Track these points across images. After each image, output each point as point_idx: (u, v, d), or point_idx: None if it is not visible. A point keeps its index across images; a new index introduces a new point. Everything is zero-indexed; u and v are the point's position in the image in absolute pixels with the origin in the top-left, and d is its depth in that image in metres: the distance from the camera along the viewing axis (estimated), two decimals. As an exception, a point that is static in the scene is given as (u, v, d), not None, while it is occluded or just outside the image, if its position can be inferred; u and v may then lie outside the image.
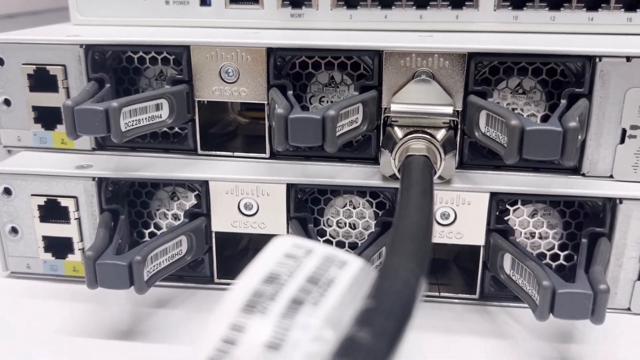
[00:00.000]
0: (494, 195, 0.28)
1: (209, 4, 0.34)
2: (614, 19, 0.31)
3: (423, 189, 0.21)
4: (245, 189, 0.29)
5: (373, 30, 0.33)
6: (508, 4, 0.32)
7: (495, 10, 0.32)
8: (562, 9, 0.32)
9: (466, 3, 0.33)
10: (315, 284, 0.16)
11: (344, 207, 0.31)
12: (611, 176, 0.28)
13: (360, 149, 0.31)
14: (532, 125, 0.24)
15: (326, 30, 0.33)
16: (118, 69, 0.31)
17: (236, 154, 0.31)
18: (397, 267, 0.16)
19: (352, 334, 0.13)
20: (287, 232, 0.30)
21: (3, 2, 0.45)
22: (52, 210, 0.30)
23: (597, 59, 0.27)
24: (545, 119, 0.29)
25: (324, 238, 0.31)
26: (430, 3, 0.33)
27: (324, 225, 0.31)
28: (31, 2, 0.49)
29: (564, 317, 0.24)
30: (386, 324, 0.14)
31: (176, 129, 0.32)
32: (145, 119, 0.28)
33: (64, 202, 0.30)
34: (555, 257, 0.30)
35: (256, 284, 0.15)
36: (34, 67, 0.31)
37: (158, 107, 0.28)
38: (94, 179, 0.30)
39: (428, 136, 0.26)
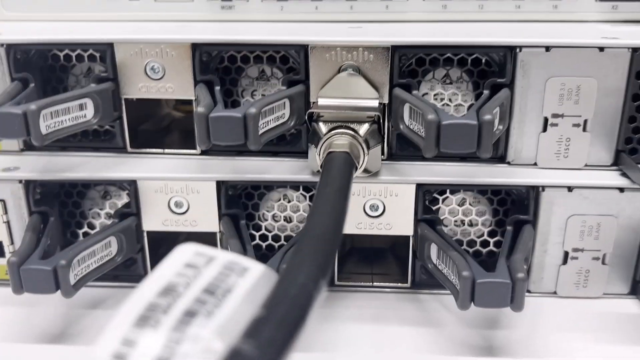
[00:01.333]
0: (420, 186, 0.28)
1: (138, -3, 0.34)
2: (540, 7, 0.32)
3: (338, 188, 0.22)
4: (174, 187, 0.29)
5: (304, 22, 0.33)
6: (436, -7, 0.32)
7: (424, 0, 0.32)
8: (489, -3, 0.32)
9: (395, -7, 0.33)
10: (212, 294, 0.16)
11: (279, 201, 0.31)
12: (535, 164, 0.29)
13: (292, 143, 0.31)
14: (448, 119, 0.24)
15: (257, 22, 0.33)
16: (44, 67, 0.31)
17: (167, 150, 0.31)
18: (296, 271, 0.16)
19: (237, 346, 0.14)
20: (219, 229, 0.30)
21: None
22: (-20, 214, 0.30)
23: (518, 49, 0.27)
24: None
25: (260, 232, 0.31)
26: (360, -7, 0.33)
27: (259, 219, 0.31)
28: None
29: (484, 306, 0.25)
30: (274, 334, 0.14)
31: (107, 127, 0.32)
32: (69, 119, 0.27)
33: (-9, 206, 0.30)
34: (485, 243, 0.31)
35: (151, 297, 0.15)
36: (-46, 67, 0.30)
37: (82, 107, 0.28)
38: (20, 181, 0.29)
39: (351, 131, 0.26)
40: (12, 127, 0.25)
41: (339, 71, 0.28)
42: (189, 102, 0.35)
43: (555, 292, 0.30)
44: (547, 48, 0.27)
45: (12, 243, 0.30)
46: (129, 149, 0.31)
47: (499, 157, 0.29)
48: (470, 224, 0.30)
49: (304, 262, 0.17)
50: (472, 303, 0.25)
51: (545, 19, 0.32)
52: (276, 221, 0.31)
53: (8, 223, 0.30)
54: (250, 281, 0.16)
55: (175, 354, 0.14)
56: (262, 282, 0.17)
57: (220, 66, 0.30)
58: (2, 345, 0.27)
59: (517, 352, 0.26)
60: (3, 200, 0.30)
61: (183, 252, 0.17)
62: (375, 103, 0.28)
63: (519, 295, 0.25)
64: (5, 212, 0.30)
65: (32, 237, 0.28)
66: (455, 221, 0.30)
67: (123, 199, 0.31)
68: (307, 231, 0.19)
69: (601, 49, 0.27)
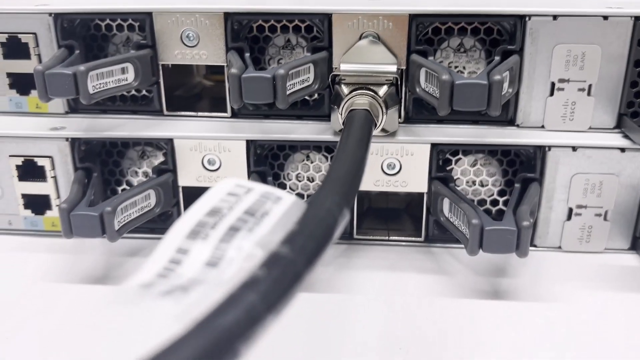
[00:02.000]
0: (434, 146, 0.31)
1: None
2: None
3: (359, 138, 0.24)
4: (208, 146, 0.32)
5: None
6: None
7: (440, -27, 0.34)
8: (502, -29, 0.34)
9: (413, -33, 0.35)
10: (252, 215, 0.18)
11: (302, 161, 0.33)
12: (542, 126, 0.31)
13: (315, 107, 0.33)
14: (461, 79, 0.26)
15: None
16: (87, 36, 0.33)
17: (200, 113, 0.34)
18: (324, 199, 0.19)
19: (276, 250, 0.16)
20: (248, 184, 0.32)
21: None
22: (30, 170, 0.33)
23: (527, 18, 0.29)
24: (484, 73, 0.31)
25: (285, 191, 0.34)
26: (380, -32, 0.35)
27: (283, 179, 0.34)
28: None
29: (491, 252, 0.27)
30: (306, 243, 0.16)
31: (144, 92, 0.34)
32: (112, 82, 0.30)
33: (40, 162, 0.33)
34: (495, 202, 0.33)
35: (200, 216, 0.18)
36: (6, 35, 0.33)
37: (124, 71, 0.31)
38: (67, 139, 0.32)
39: (371, 92, 0.28)
40: (63, 86, 0.28)
41: (360, 38, 0.31)
42: (218, 71, 0.38)
43: (559, 247, 0.32)
44: (555, 17, 0.29)
45: (58, 197, 0.33)
46: (165, 112, 0.34)
47: (509, 120, 0.32)
48: (481, 184, 0.33)
49: (330, 192, 0.19)
50: (481, 249, 0.27)
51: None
52: (299, 181, 0.33)
53: (55, 178, 0.33)
54: (284, 207, 0.19)
55: (222, 259, 0.17)
56: (294, 208, 0.19)
57: (250, 35, 0.32)
58: (52, 285, 0.29)
59: (521, 297, 0.28)
60: (51, 157, 0.32)
61: (225, 184, 0.20)
62: (393, 68, 0.30)
63: (524, 242, 0.27)
64: (53, 167, 0.33)
65: (78, 189, 0.31)
66: (467, 181, 0.32)
67: (159, 159, 0.34)
68: (332, 170, 0.21)
69: (605, 17, 0.29)
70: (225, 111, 0.33)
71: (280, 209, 0.19)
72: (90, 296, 0.29)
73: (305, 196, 0.34)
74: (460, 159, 0.32)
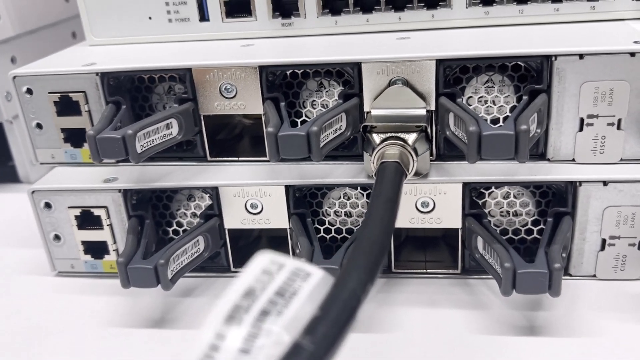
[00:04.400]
0: (466, 184, 0.32)
1: (208, 19, 0.38)
2: (578, 9, 0.34)
3: (388, 198, 0.25)
4: (250, 192, 0.34)
5: (356, 34, 0.36)
6: (478, 1, 0.35)
7: (467, 7, 0.35)
8: (528, 2, 0.34)
9: (440, 3, 0.35)
10: (281, 296, 0.20)
11: (339, 199, 0.35)
12: (573, 159, 0.32)
13: (349, 148, 0.34)
14: (488, 130, 0.27)
15: (314, 36, 0.37)
16: (132, 88, 0.35)
17: (240, 158, 0.35)
18: (347, 278, 0.20)
19: (297, 341, 0.18)
20: (289, 226, 0.34)
21: (22, 20, 0.48)
22: (87, 219, 0.35)
23: (554, 58, 0.30)
24: (514, 109, 0.32)
25: (324, 226, 0.35)
26: (407, 5, 0.36)
27: (322, 215, 0.35)
28: (48, 15, 0.52)
29: (524, 293, 0.28)
30: (327, 331, 0.18)
31: (188, 139, 0.36)
32: (158, 138, 0.32)
33: (96, 212, 0.35)
34: (529, 232, 0.34)
35: (236, 298, 0.20)
36: (59, 94, 0.35)
37: (168, 126, 0.33)
38: (119, 190, 0.34)
39: (400, 141, 0.30)
40: (113, 149, 0.30)
41: (389, 84, 0.32)
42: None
43: (594, 275, 0.33)
44: (581, 56, 0.29)
45: (115, 242, 0.36)
46: (208, 157, 0.36)
47: (540, 154, 0.32)
48: (515, 214, 0.33)
49: (354, 269, 0.21)
50: (514, 290, 0.28)
51: (583, 20, 0.34)
52: (337, 216, 0.35)
53: (111, 226, 0.35)
54: (312, 284, 0.20)
55: (254, 345, 0.18)
56: (322, 284, 0.21)
57: (284, 82, 0.34)
58: (114, 330, 0.32)
59: (557, 331, 0.29)
60: (106, 207, 0.35)
61: (261, 261, 0.21)
62: (422, 112, 0.31)
63: (556, 283, 0.28)
64: (108, 216, 0.35)
65: (133, 239, 0.33)
66: (501, 212, 0.33)
67: (205, 200, 0.36)
68: (358, 241, 0.22)
69: (632, 54, 0.29)
70: (264, 155, 0.35)
71: (309, 286, 0.20)
72: (150, 340, 0.31)
73: (344, 231, 0.35)
74: (492, 191, 0.33)
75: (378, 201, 0.25)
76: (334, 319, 0.18)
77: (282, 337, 0.18)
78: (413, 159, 0.29)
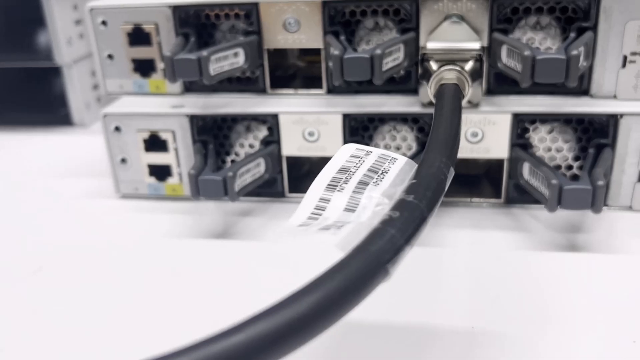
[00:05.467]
0: (515, 115, 0.34)
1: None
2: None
3: (453, 108, 0.28)
4: (308, 120, 0.36)
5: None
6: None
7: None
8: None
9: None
10: (375, 173, 0.22)
11: (389, 132, 0.37)
12: (615, 96, 0.34)
13: (402, 83, 0.37)
14: (541, 54, 0.29)
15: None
16: (199, 24, 0.38)
17: (299, 91, 0.38)
18: (433, 158, 0.22)
19: (402, 197, 0.20)
20: (344, 153, 0.36)
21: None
22: (154, 143, 0.38)
23: (601, -4, 0.32)
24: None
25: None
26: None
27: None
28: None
29: (569, 208, 0.30)
30: (425, 192, 0.20)
31: (247, 75, 0.38)
32: (227, 65, 0.35)
33: (163, 136, 0.38)
34: (569, 167, 0.36)
35: (333, 173, 0.22)
36: (132, 26, 0.37)
37: (236, 55, 0.35)
38: (187, 115, 0.37)
39: (458, 67, 0.32)
40: (189, 69, 0.33)
41: (444, 19, 0.34)
42: (309, 53, 0.42)
43: (630, 207, 0.35)
44: (628, -6, 0.32)
45: (179, 166, 0.38)
46: (268, 90, 0.38)
47: (583, 90, 0.34)
48: (557, 150, 0.36)
49: (438, 153, 0.23)
50: (559, 206, 0.30)
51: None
52: (387, 149, 0.37)
53: (176, 150, 0.38)
54: (400, 165, 0.23)
55: (357, 205, 0.21)
56: (407, 167, 0.23)
57: (343, 19, 0.36)
58: (179, 240, 0.34)
59: (597, 249, 0.31)
60: (173, 131, 0.37)
61: (348, 147, 0.24)
62: (477, 45, 0.33)
63: (599, 199, 0.30)
64: (174, 140, 0.37)
65: (200, 158, 0.35)
66: (544, 148, 0.36)
67: (263, 132, 0.38)
68: (434, 136, 0.25)
69: (676, -7, 0.31)
70: (321, 88, 0.37)
71: (397, 167, 0.23)
72: (214, 249, 0.34)
73: (393, 163, 0.37)
74: (537, 127, 0.35)
75: (444, 110, 0.27)
76: (429, 185, 0.21)
77: (383, 200, 0.21)
78: (468, 84, 0.32)
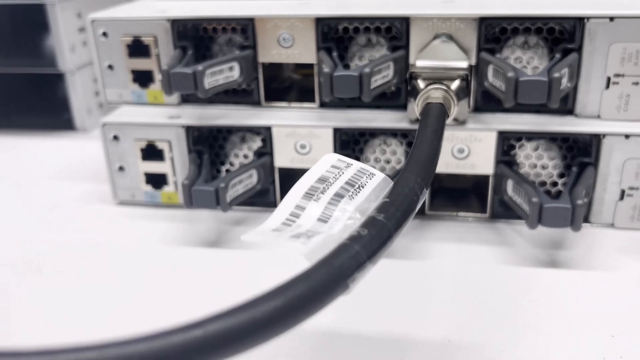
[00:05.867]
0: (500, 133, 0.35)
1: (267, -20, 0.41)
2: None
3: (435, 129, 0.28)
4: (300, 133, 0.37)
5: (404, -2, 0.40)
6: (518, -29, 0.38)
7: (507, -23, 0.38)
8: (565, -26, 0.37)
9: (482, -28, 0.39)
10: (352, 186, 0.23)
11: (379, 146, 0.38)
12: (598, 116, 0.35)
13: (392, 99, 0.38)
14: (524, 76, 0.30)
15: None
16: (197, 37, 0.39)
17: (292, 104, 0.39)
18: (407, 178, 0.23)
19: (372, 215, 0.21)
20: (335, 166, 0.37)
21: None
22: (151, 152, 0.39)
23: (586, 20, 0.33)
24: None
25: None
26: (452, -27, 0.39)
27: (364, 161, 0.38)
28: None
29: (549, 226, 0.31)
30: (395, 212, 0.21)
31: (243, 87, 0.40)
32: (222, 78, 0.36)
33: (160, 145, 0.39)
34: (554, 184, 0.37)
35: (312, 182, 0.23)
36: (131, 38, 0.39)
37: (231, 69, 0.36)
38: (183, 126, 0.38)
39: (444, 86, 0.33)
40: (184, 83, 0.34)
41: (434, 38, 0.35)
42: (305, 66, 0.43)
43: (612, 224, 0.36)
44: (611, 18, 0.33)
45: (175, 175, 0.39)
46: (263, 103, 0.39)
47: (568, 110, 0.35)
48: (542, 167, 0.36)
49: (413, 173, 0.24)
50: (540, 224, 0.31)
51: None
52: (377, 162, 0.38)
53: (172, 159, 0.39)
54: (376, 182, 0.24)
55: (330, 217, 0.22)
56: (383, 184, 0.24)
57: (336, 36, 0.37)
58: (172, 247, 0.36)
59: (577, 266, 0.32)
60: (169, 141, 0.38)
61: (330, 157, 0.25)
62: (465, 64, 0.34)
63: (578, 218, 0.31)
64: (171, 150, 0.39)
65: (195, 168, 0.37)
66: (530, 164, 0.36)
67: (257, 143, 0.39)
68: (413, 154, 0.26)
69: (659, 18, 0.32)
70: (313, 101, 0.39)
71: (373, 183, 0.24)
72: (206, 257, 0.35)
73: (383, 176, 0.38)
74: (523, 144, 0.36)
75: (426, 130, 0.28)
76: (400, 205, 0.22)
77: (355, 215, 0.22)
78: (454, 103, 0.33)
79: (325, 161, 0.24)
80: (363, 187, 0.23)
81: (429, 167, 0.25)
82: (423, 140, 0.27)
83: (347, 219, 0.22)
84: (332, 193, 0.23)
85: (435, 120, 0.30)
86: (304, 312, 0.17)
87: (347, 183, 0.23)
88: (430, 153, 0.26)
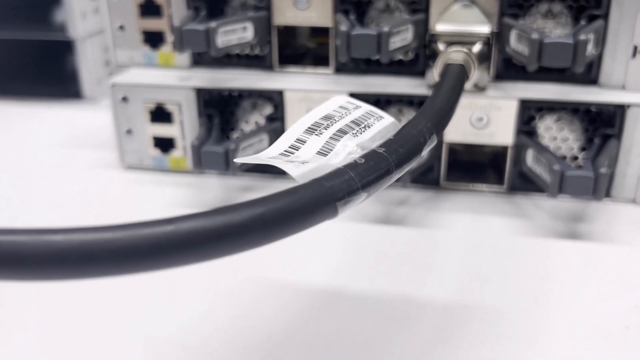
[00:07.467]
0: (522, 101, 0.34)
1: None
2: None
3: (453, 86, 0.27)
4: (314, 98, 0.36)
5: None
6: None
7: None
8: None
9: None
10: (357, 125, 0.22)
11: (395, 115, 0.37)
12: (623, 86, 0.33)
13: (409, 65, 0.36)
14: (549, 38, 0.29)
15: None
16: (210, -1, 0.38)
17: (306, 68, 0.38)
18: (417, 121, 0.22)
19: (373, 148, 0.20)
20: (348, 132, 0.36)
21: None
22: (160, 115, 0.38)
23: (614, -15, 0.32)
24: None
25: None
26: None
27: (378, 130, 0.37)
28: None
29: (570, 194, 0.30)
30: (398, 148, 0.20)
31: (256, 52, 0.39)
32: (235, 39, 0.35)
33: (169, 108, 0.38)
34: (575, 158, 0.35)
35: (317, 118, 0.22)
36: (144, -2, 0.38)
37: (245, 29, 0.35)
38: (193, 88, 0.37)
39: (465, 49, 0.32)
40: (196, 40, 0.33)
41: (455, 2, 0.34)
42: (320, 33, 0.42)
43: (634, 200, 0.34)
44: (641, -17, 0.31)
45: (184, 139, 0.38)
46: (276, 67, 0.38)
47: (592, 79, 0.34)
48: (563, 140, 0.35)
49: (424, 117, 0.23)
50: (560, 192, 0.30)
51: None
52: (393, 133, 0.37)
53: (181, 122, 0.38)
54: (384, 123, 0.23)
55: (330, 151, 0.21)
56: (392, 127, 0.23)
57: (353, 0, 0.36)
58: (178, 210, 0.35)
59: (596, 239, 0.31)
60: (179, 103, 0.38)
61: (340, 98, 0.24)
62: (487, 28, 0.33)
63: (601, 187, 0.30)
64: (180, 113, 0.38)
65: (205, 131, 0.36)
66: (550, 137, 0.35)
67: (268, 110, 0.38)
68: (428, 102, 0.25)
69: (690, -16, 0.31)
70: (328, 67, 0.37)
71: (381, 124, 0.23)
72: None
73: (397, 147, 0.37)
74: (544, 115, 0.35)
75: (444, 86, 0.27)
76: (404, 143, 0.21)
77: (356, 149, 0.21)
78: (475, 66, 0.32)
79: (334, 101, 0.23)
80: (369, 127, 0.22)
81: (442, 116, 0.24)
82: (440, 92, 0.26)
83: (347, 154, 0.20)
84: (335, 129, 0.22)
85: (454, 78, 0.29)
86: (285, 225, 0.16)
87: (352, 122, 0.22)
88: (445, 104, 0.25)
